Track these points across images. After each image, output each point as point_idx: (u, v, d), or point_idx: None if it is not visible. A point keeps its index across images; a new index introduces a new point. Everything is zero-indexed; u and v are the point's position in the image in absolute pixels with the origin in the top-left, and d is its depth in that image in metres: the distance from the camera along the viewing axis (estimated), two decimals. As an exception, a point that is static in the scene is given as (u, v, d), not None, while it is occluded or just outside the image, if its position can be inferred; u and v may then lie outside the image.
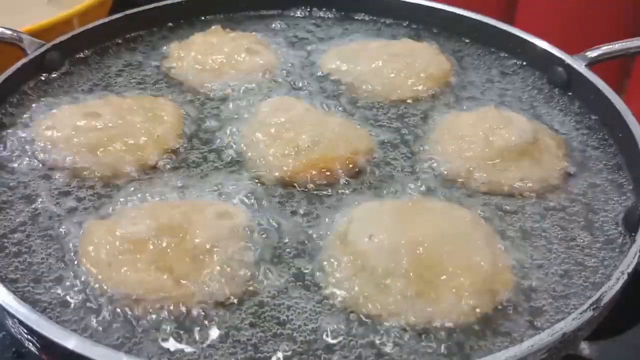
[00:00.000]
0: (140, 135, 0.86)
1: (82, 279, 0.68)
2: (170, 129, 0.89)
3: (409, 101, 0.98)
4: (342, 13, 1.22)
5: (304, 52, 1.11)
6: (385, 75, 1.00)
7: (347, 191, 0.81)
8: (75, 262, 0.70)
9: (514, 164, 0.82)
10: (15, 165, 0.85)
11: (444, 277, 0.66)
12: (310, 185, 0.82)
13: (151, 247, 0.68)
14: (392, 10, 1.20)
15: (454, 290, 0.65)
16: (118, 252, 0.68)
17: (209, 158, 0.87)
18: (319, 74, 1.04)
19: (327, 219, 0.77)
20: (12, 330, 0.65)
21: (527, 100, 1.00)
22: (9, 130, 0.91)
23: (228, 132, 0.91)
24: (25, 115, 0.93)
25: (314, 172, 0.82)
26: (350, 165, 0.84)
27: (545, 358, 0.60)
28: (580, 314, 0.61)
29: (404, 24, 1.19)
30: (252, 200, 0.79)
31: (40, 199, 0.80)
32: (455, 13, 1.16)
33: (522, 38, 1.07)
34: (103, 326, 0.65)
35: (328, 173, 0.82)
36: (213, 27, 1.10)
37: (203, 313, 0.66)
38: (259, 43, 1.08)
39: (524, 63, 1.08)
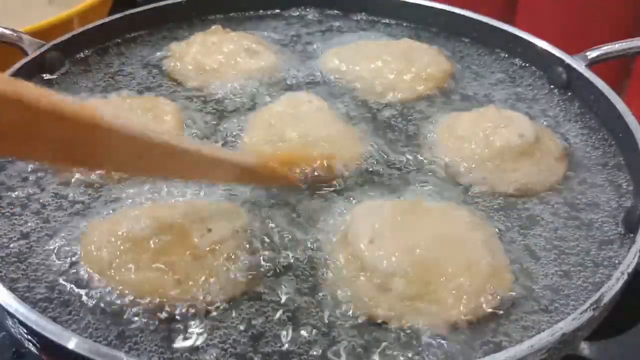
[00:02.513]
0: (140, 135, 0.86)
1: (83, 279, 0.69)
2: (171, 129, 0.89)
3: (408, 101, 0.98)
4: (342, 13, 1.22)
5: (304, 52, 1.11)
6: (385, 75, 1.00)
7: (347, 192, 0.81)
8: (76, 262, 0.70)
9: (514, 163, 0.82)
10: (15, 165, 0.85)
11: (444, 278, 0.66)
12: (311, 185, 0.82)
13: (152, 246, 0.68)
14: (392, 10, 1.20)
15: (453, 291, 0.65)
16: (119, 252, 0.68)
17: (209, 158, 0.87)
18: (319, 74, 1.04)
19: (327, 219, 0.77)
20: (12, 330, 0.65)
21: (527, 100, 1.00)
22: (9, 130, 0.91)
23: (228, 132, 0.91)
24: (25, 115, 0.93)
25: (315, 172, 0.82)
26: (349, 165, 0.84)
27: (545, 358, 0.60)
28: (580, 314, 0.61)
29: (404, 24, 1.19)
30: (253, 200, 0.79)
31: (40, 199, 0.80)
32: (455, 13, 1.16)
33: (522, 38, 1.07)
34: (103, 326, 0.65)
35: (330, 173, 0.82)
36: (213, 27, 1.10)
37: (203, 312, 0.66)
38: (258, 43, 1.08)
39: (524, 63, 1.07)
